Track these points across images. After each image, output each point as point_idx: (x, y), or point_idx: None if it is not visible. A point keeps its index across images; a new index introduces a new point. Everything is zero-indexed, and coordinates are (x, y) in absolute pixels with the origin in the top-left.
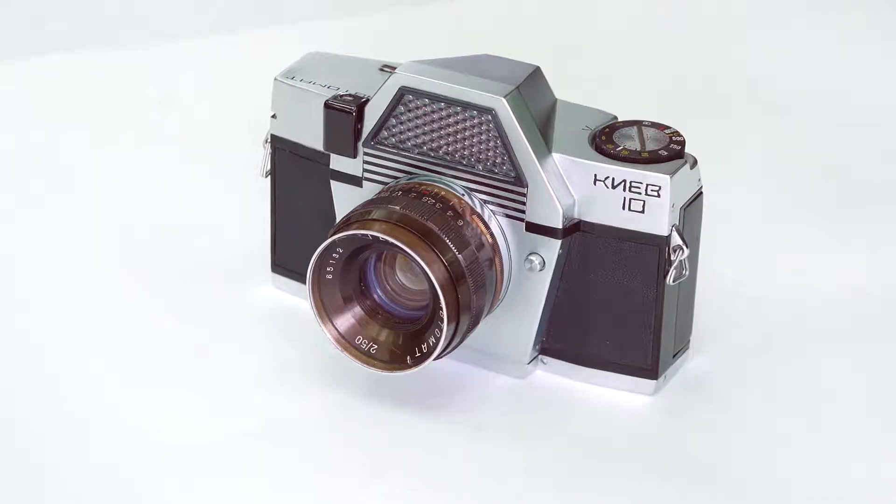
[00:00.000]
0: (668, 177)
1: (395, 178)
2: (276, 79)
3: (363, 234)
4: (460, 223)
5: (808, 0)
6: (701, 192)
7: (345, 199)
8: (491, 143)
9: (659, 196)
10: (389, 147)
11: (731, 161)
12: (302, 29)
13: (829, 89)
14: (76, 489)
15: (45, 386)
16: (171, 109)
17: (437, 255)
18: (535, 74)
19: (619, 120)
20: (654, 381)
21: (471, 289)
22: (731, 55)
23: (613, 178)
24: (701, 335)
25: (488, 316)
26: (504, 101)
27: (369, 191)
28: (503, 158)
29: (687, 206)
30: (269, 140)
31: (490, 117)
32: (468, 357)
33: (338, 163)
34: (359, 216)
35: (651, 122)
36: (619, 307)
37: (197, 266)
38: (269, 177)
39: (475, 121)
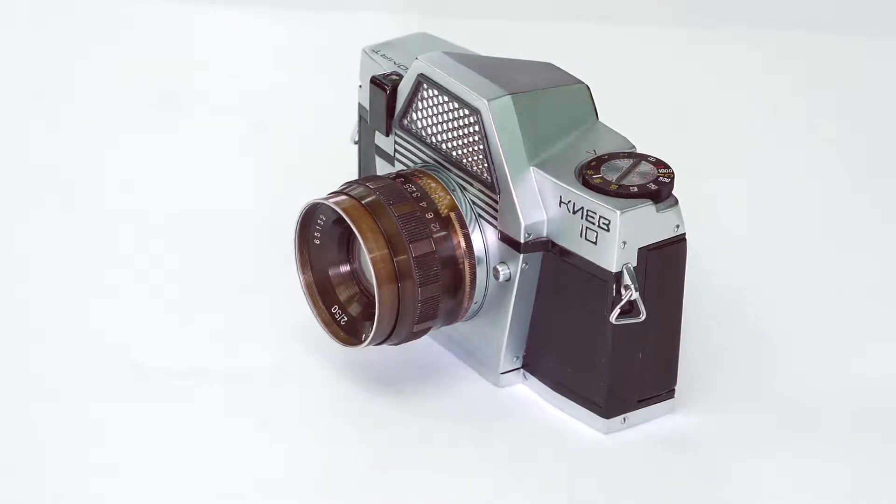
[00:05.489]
0: (617, 212)
1: (416, 162)
2: (363, 49)
3: (329, 206)
4: (429, 216)
5: None
6: (682, 239)
7: None
8: (476, 146)
9: (608, 230)
10: (412, 131)
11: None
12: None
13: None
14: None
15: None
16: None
17: (387, 241)
18: (566, 90)
19: (627, 151)
20: (607, 420)
21: (416, 282)
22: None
23: (574, 203)
24: (694, 390)
25: (475, 318)
26: (487, 103)
27: None
28: (484, 162)
29: (652, 249)
30: None
31: (477, 118)
32: (462, 354)
33: (378, 138)
34: (344, 189)
35: (656, 160)
36: (577, 337)
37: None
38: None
39: (468, 119)
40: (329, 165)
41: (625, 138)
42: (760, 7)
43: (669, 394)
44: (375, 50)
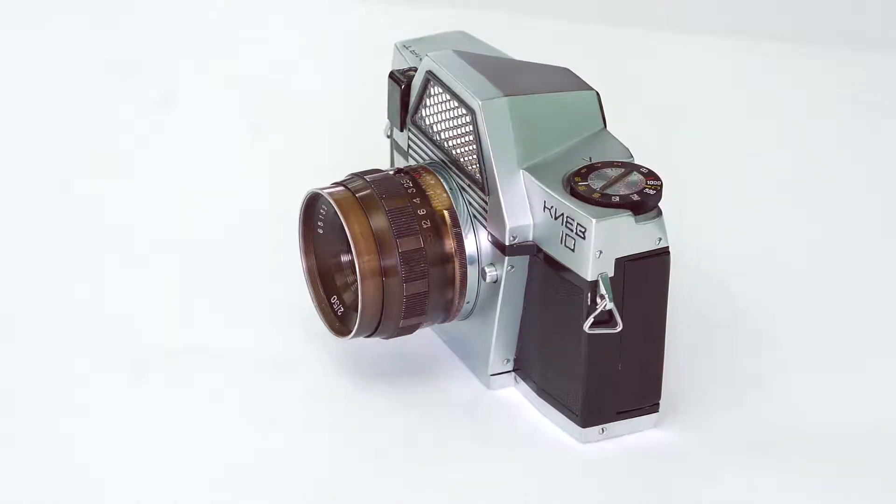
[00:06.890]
0: (593, 220)
1: (424, 159)
2: (395, 44)
3: (324, 197)
4: (422, 212)
5: None
6: (664, 252)
7: None
8: (471, 146)
9: (584, 238)
10: (422, 128)
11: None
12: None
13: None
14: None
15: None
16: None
17: (374, 235)
18: (573, 96)
19: (622, 160)
20: (583, 429)
21: (402, 277)
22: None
23: (556, 209)
24: (680, 406)
25: (469, 318)
26: (481, 103)
27: None
28: (476, 163)
29: (631, 260)
30: None
31: (472, 118)
32: (460, 354)
33: (395, 133)
34: (344, 181)
35: (647, 170)
36: (558, 343)
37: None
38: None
39: (465, 119)
40: (364, 158)
41: (626, 148)
42: (774, 16)
43: (653, 408)
44: (406, 46)
